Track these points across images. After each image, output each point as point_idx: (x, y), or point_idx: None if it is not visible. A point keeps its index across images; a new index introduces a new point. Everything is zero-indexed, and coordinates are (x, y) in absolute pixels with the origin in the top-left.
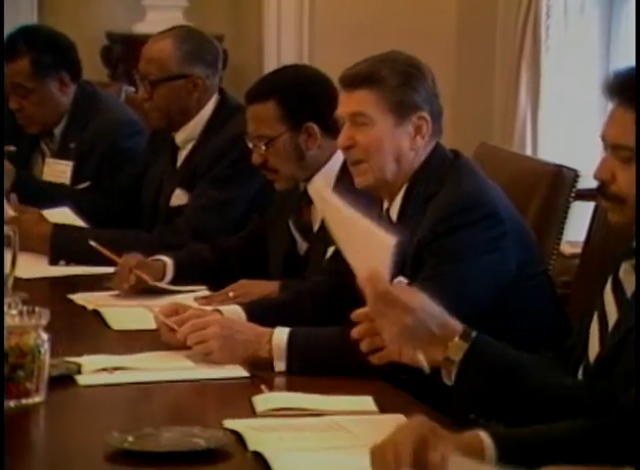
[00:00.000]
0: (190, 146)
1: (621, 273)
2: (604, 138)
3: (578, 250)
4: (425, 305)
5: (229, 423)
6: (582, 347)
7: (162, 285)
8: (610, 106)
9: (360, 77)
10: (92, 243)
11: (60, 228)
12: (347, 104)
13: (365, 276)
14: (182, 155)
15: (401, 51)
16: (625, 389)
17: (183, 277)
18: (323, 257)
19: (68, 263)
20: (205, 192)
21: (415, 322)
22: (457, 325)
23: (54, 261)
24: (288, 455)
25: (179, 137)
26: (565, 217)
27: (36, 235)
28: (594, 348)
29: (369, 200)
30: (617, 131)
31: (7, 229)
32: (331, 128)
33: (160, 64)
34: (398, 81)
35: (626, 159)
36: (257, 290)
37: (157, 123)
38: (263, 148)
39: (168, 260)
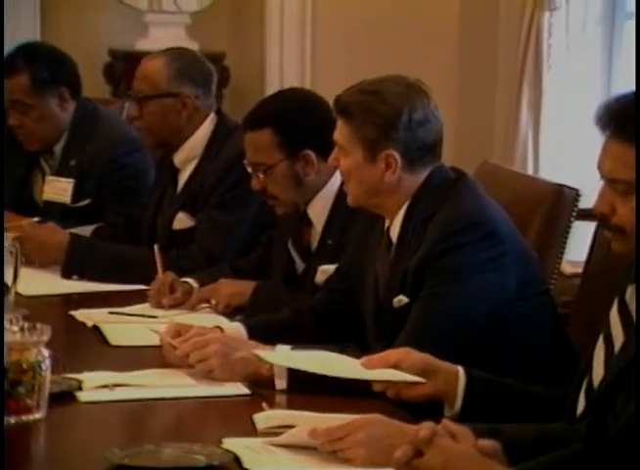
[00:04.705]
0: (190, 168)
1: (628, 296)
2: (600, 170)
3: (579, 269)
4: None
5: (228, 442)
6: (585, 368)
7: None
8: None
9: (340, 107)
10: (155, 247)
11: (77, 238)
12: (335, 130)
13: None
14: (183, 178)
15: (398, 79)
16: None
17: (206, 301)
18: None
19: (80, 278)
20: (210, 217)
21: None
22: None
23: (67, 274)
24: None
25: (177, 159)
26: (566, 237)
27: (53, 245)
28: (598, 371)
29: (369, 219)
30: (611, 165)
31: (10, 244)
32: (328, 152)
33: (151, 81)
34: (365, 119)
35: (624, 192)
36: (229, 290)
37: (147, 142)
38: (261, 175)
39: (195, 285)
